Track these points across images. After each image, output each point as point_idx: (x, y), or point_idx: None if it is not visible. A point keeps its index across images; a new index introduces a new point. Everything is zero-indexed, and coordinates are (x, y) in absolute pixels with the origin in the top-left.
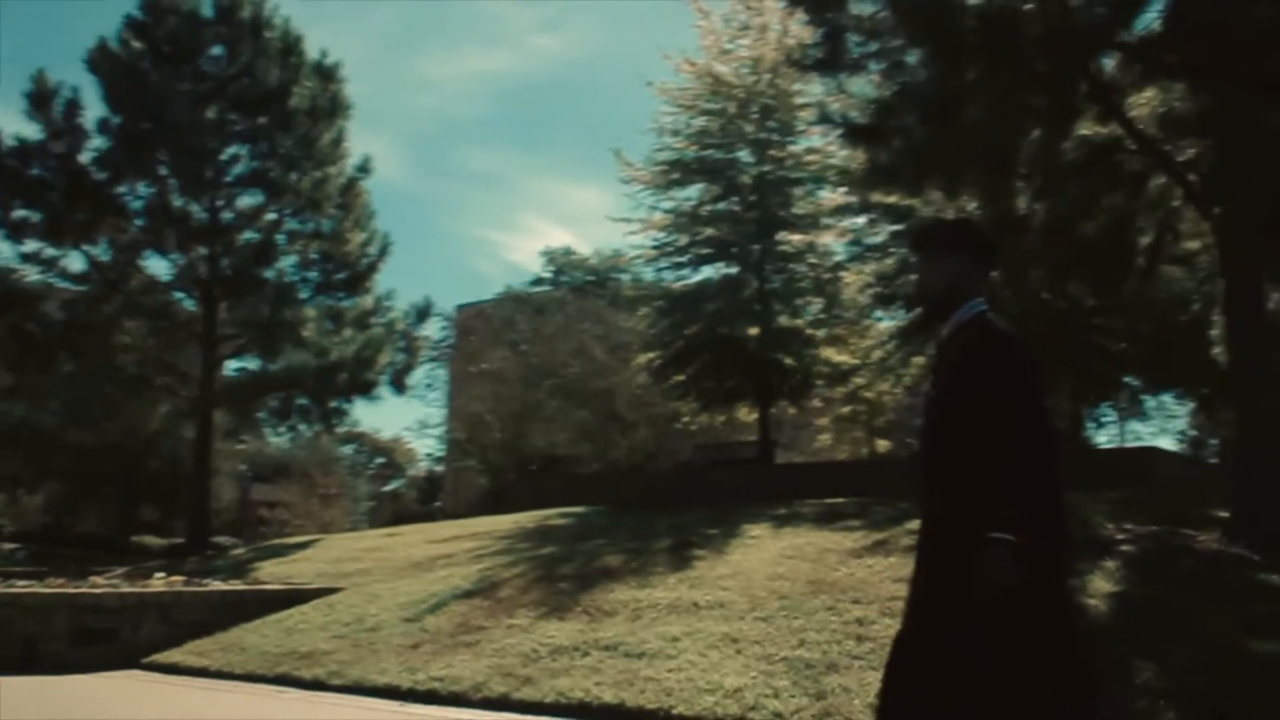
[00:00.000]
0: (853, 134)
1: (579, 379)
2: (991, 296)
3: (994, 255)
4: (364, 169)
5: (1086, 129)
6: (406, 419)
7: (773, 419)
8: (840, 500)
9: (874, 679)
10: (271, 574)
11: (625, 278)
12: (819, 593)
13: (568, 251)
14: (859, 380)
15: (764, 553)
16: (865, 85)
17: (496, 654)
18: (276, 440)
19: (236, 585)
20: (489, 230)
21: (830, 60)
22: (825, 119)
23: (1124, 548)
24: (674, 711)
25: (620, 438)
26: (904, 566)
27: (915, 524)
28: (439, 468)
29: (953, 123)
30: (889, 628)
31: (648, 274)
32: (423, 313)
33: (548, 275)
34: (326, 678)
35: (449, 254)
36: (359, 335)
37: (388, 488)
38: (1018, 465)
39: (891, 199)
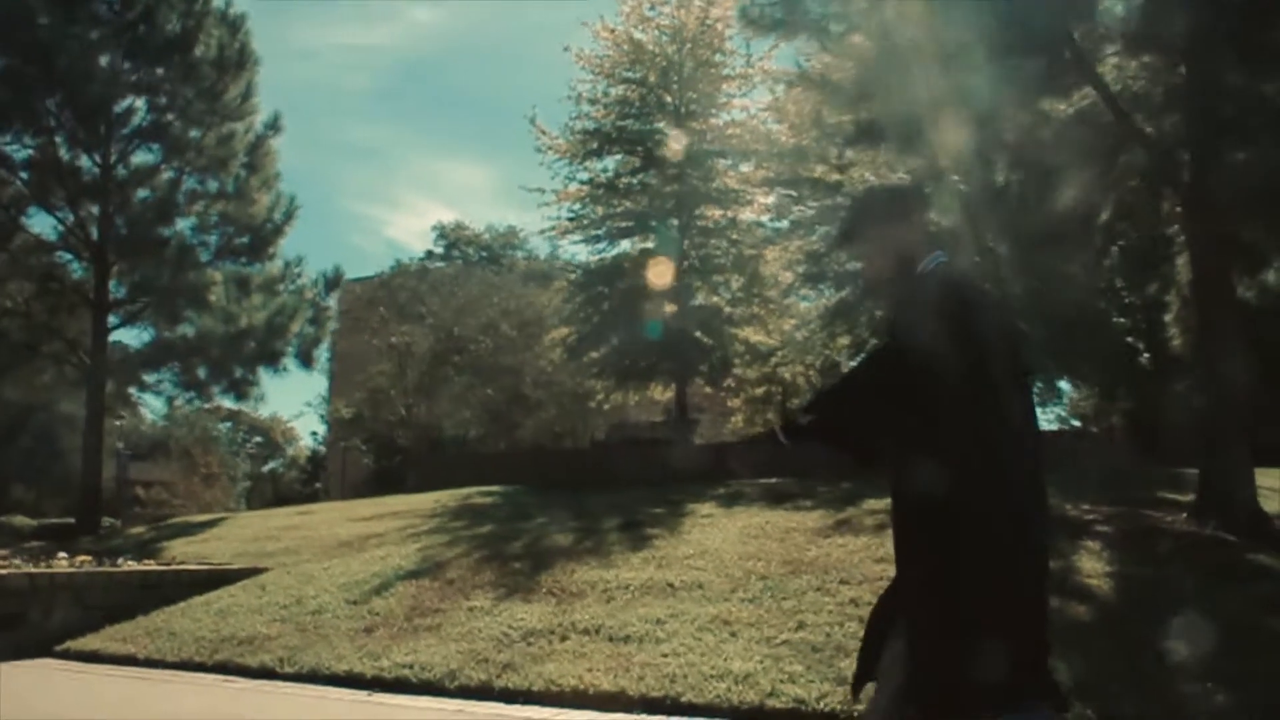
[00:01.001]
0: (834, 92)
1: (487, 355)
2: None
3: (927, 206)
4: (274, 126)
5: (1064, 102)
6: (285, 397)
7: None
8: (775, 480)
9: None
10: (185, 554)
11: (519, 254)
12: (800, 573)
13: (459, 226)
14: (778, 360)
15: (724, 532)
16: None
17: (463, 638)
18: (153, 416)
19: (154, 565)
20: (366, 206)
21: (790, 19)
22: (804, 77)
23: (1099, 528)
24: (683, 699)
25: (526, 416)
26: (879, 546)
27: (870, 503)
28: (322, 448)
29: (936, 85)
30: None
31: (546, 249)
32: (332, 282)
33: (439, 250)
34: (276, 665)
35: (324, 229)
36: (270, 302)
37: (266, 468)
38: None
39: (817, 173)
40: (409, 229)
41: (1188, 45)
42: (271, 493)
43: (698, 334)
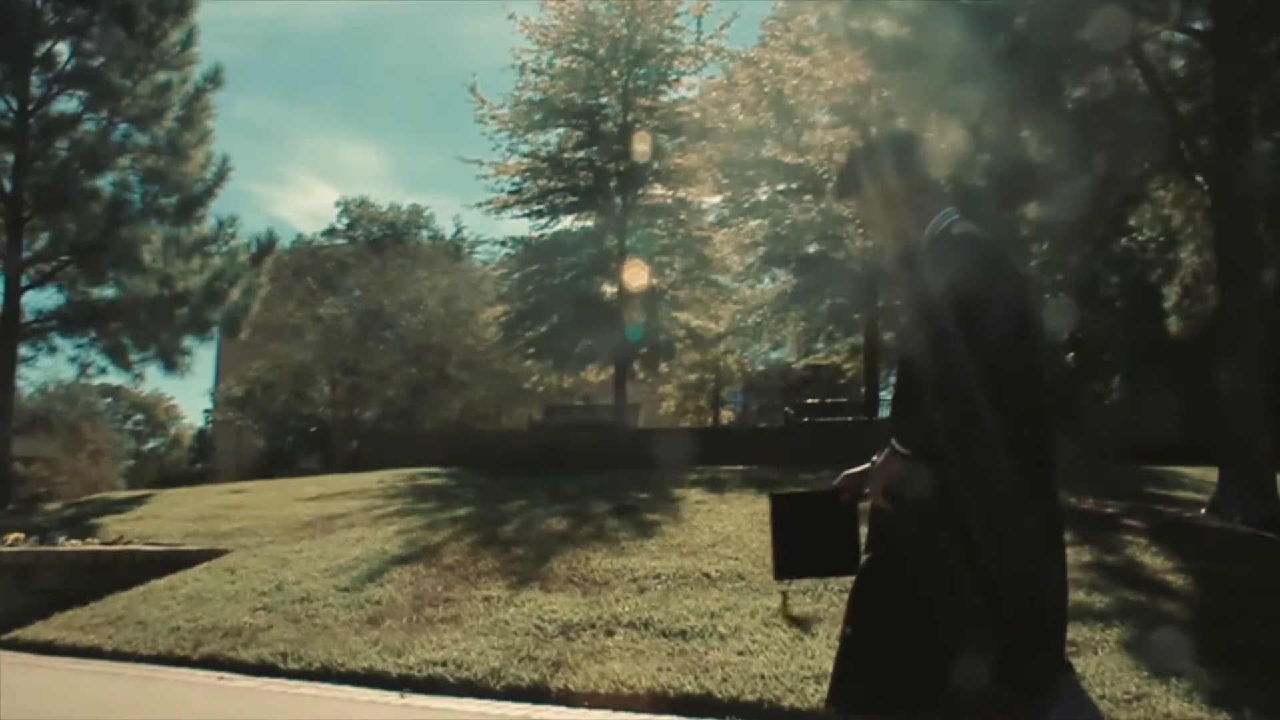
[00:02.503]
0: (887, 54)
1: (415, 333)
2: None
3: (926, 156)
4: (214, 79)
5: (1105, 79)
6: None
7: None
8: (745, 466)
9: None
10: (124, 532)
11: (426, 234)
12: None
13: (363, 203)
14: (727, 347)
15: (732, 519)
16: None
17: (491, 631)
18: (31, 389)
19: (103, 545)
20: (251, 183)
21: None
22: (852, 38)
23: (1128, 522)
24: (783, 704)
25: (452, 396)
26: None
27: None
28: (210, 426)
29: (998, 48)
30: None
31: (452, 229)
32: (265, 246)
33: (341, 227)
34: (277, 661)
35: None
36: (209, 264)
37: (147, 446)
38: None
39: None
40: (298, 208)
41: (1217, 30)
42: (156, 472)
43: (640, 316)
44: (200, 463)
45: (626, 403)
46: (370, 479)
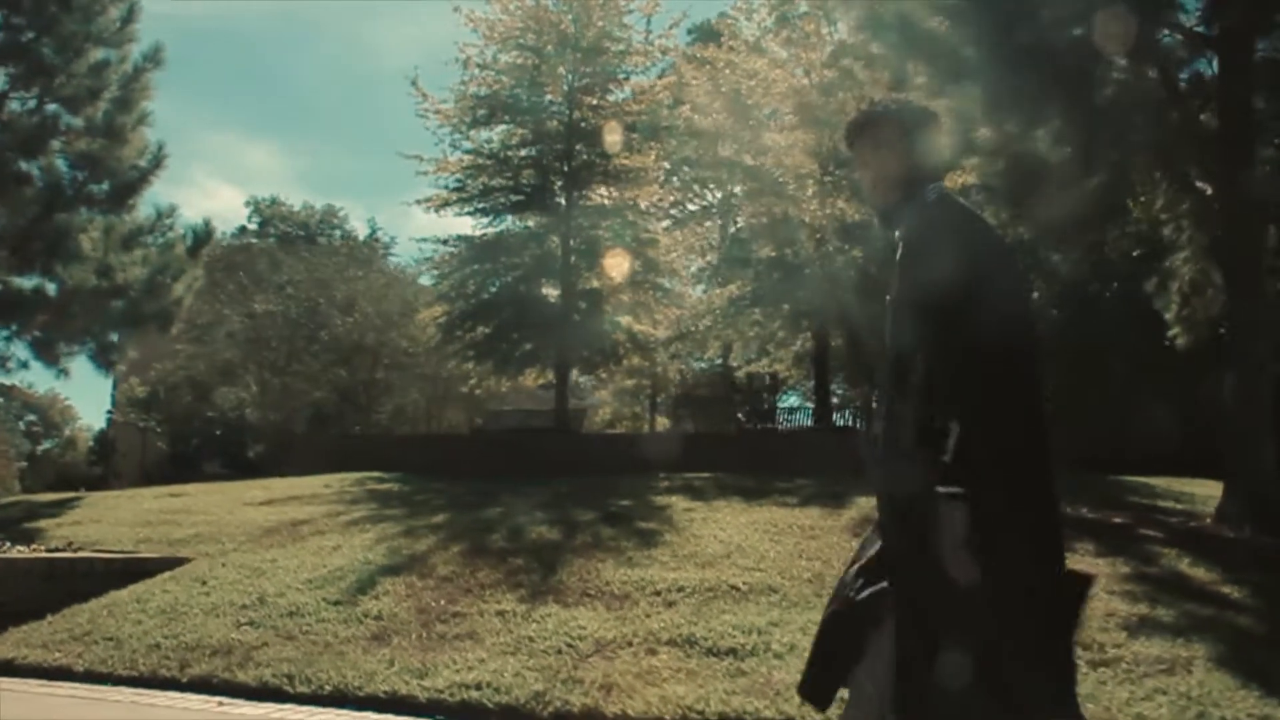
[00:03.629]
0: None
1: (347, 334)
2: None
3: (938, 139)
4: (153, 59)
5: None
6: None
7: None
8: (710, 474)
9: (1098, 678)
10: (68, 538)
11: (339, 235)
12: None
13: (275, 202)
14: (673, 352)
15: (735, 528)
16: None
17: (518, 650)
18: None
19: (57, 554)
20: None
21: None
22: (878, 23)
23: (1143, 531)
24: None
25: (385, 400)
26: None
27: (862, 501)
28: (111, 428)
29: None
30: None
31: (366, 231)
32: (202, 238)
33: (253, 226)
34: (282, 683)
35: None
36: (152, 256)
37: (41, 448)
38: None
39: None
40: (200, 209)
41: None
42: (53, 474)
43: (585, 319)
44: (100, 465)
45: (568, 407)
46: (315, 483)
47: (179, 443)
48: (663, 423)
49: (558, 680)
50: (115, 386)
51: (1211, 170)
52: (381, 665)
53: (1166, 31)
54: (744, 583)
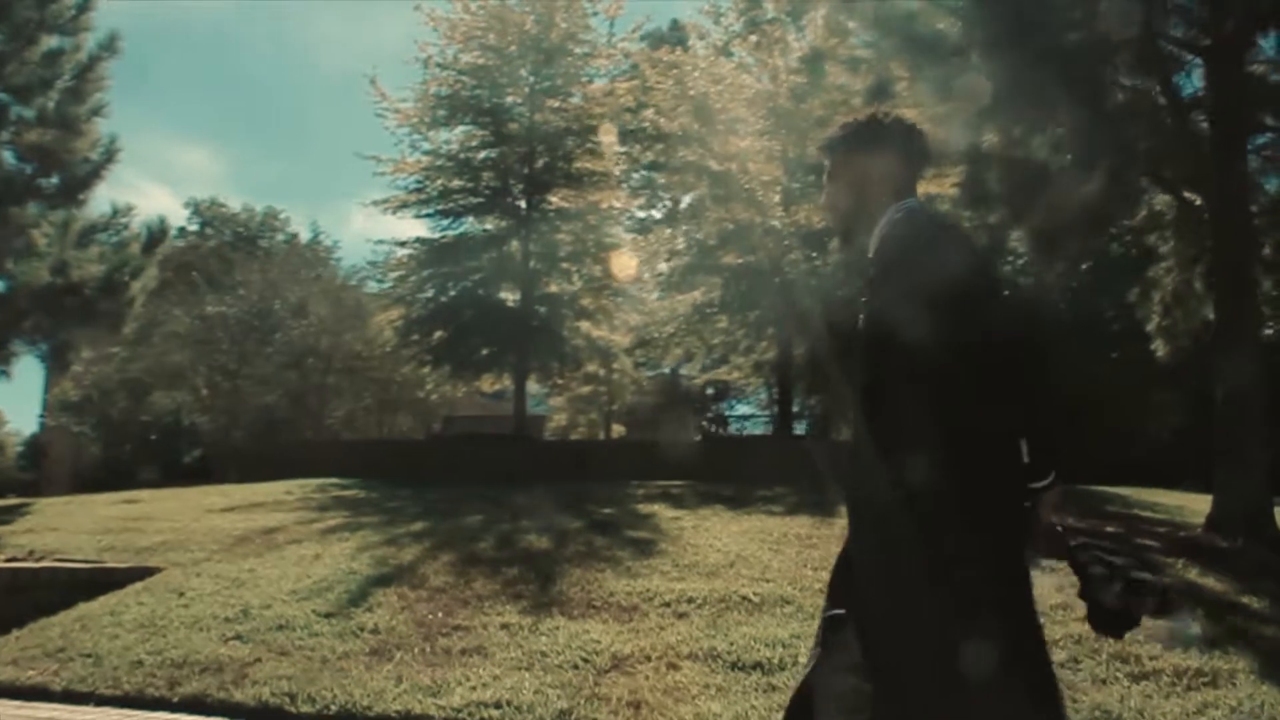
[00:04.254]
0: (922, 47)
1: (301, 337)
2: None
3: (926, 156)
4: (109, 47)
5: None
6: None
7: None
8: (684, 482)
9: (1142, 692)
10: (27, 546)
11: (281, 237)
12: None
13: (215, 203)
14: (636, 357)
15: (729, 537)
16: None
17: (531, 665)
18: None
19: (20, 563)
20: None
21: None
22: (884, 26)
23: (1141, 541)
24: None
25: (337, 404)
26: None
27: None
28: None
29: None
30: (1067, 628)
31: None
32: (156, 236)
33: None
34: (283, 703)
35: None
36: (108, 254)
37: None
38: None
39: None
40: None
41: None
42: None
43: (547, 324)
44: (31, 471)
45: (526, 413)
46: (275, 489)
47: (113, 448)
48: (618, 430)
49: (580, 697)
50: (46, 389)
51: (1206, 179)
52: (389, 683)
53: (1163, 41)
54: (755, 594)
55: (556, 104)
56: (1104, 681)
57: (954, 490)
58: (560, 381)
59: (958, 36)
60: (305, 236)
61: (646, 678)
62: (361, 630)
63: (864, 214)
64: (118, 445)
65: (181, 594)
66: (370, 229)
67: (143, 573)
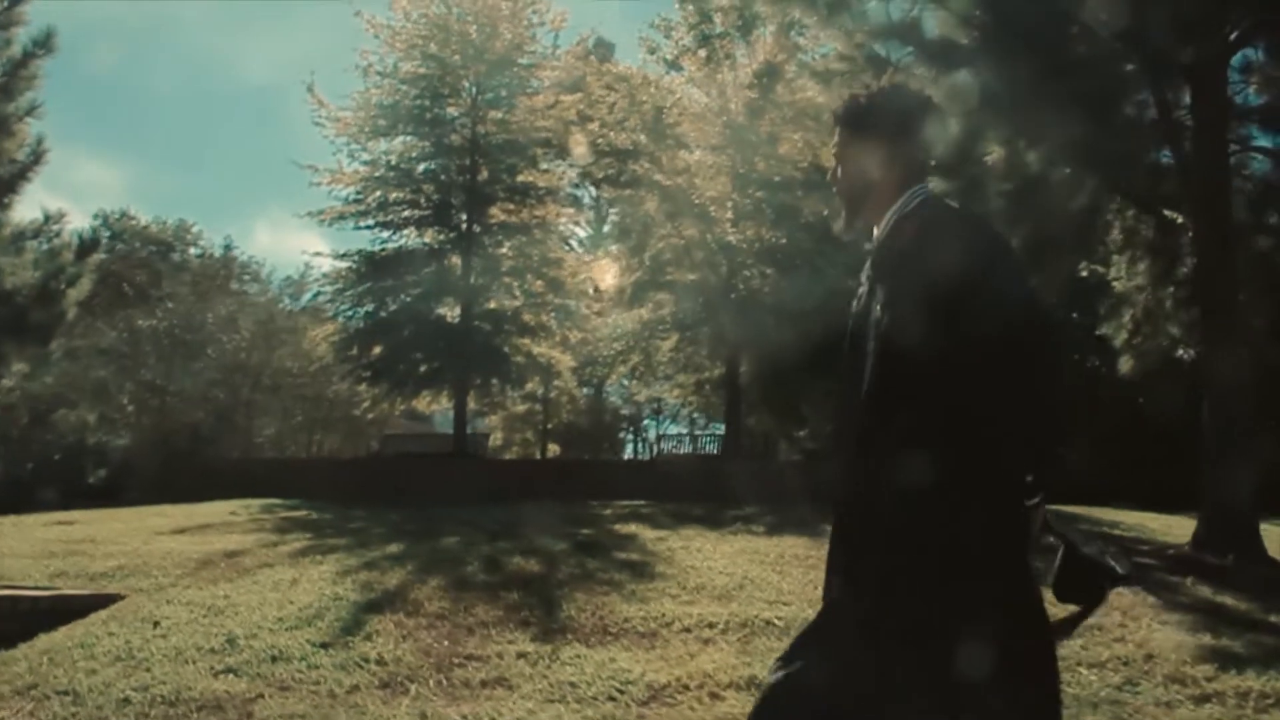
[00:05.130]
0: (937, 54)
1: (230, 353)
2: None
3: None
4: (44, 44)
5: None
6: None
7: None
8: (648, 502)
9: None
10: None
11: (195, 252)
12: None
13: (125, 215)
14: (585, 376)
15: (722, 558)
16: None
17: (564, 697)
18: None
19: None
20: None
21: None
22: (892, 32)
23: (1142, 560)
24: None
25: (265, 420)
26: None
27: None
28: None
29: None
30: (1111, 649)
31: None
32: (89, 244)
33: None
34: None
35: None
36: (44, 259)
37: None
38: (1035, 388)
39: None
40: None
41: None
42: None
43: (491, 340)
44: None
45: (466, 432)
46: (218, 510)
47: (12, 468)
48: (553, 449)
49: None
50: None
51: (1194, 198)
52: (411, 719)
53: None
54: (777, 617)
55: (500, 115)
56: (1168, 705)
57: (963, 490)
58: (498, 400)
59: (972, 44)
60: (219, 250)
61: (692, 709)
62: (366, 661)
63: (870, 195)
64: (19, 465)
65: (156, 623)
66: (307, 242)
67: (104, 600)
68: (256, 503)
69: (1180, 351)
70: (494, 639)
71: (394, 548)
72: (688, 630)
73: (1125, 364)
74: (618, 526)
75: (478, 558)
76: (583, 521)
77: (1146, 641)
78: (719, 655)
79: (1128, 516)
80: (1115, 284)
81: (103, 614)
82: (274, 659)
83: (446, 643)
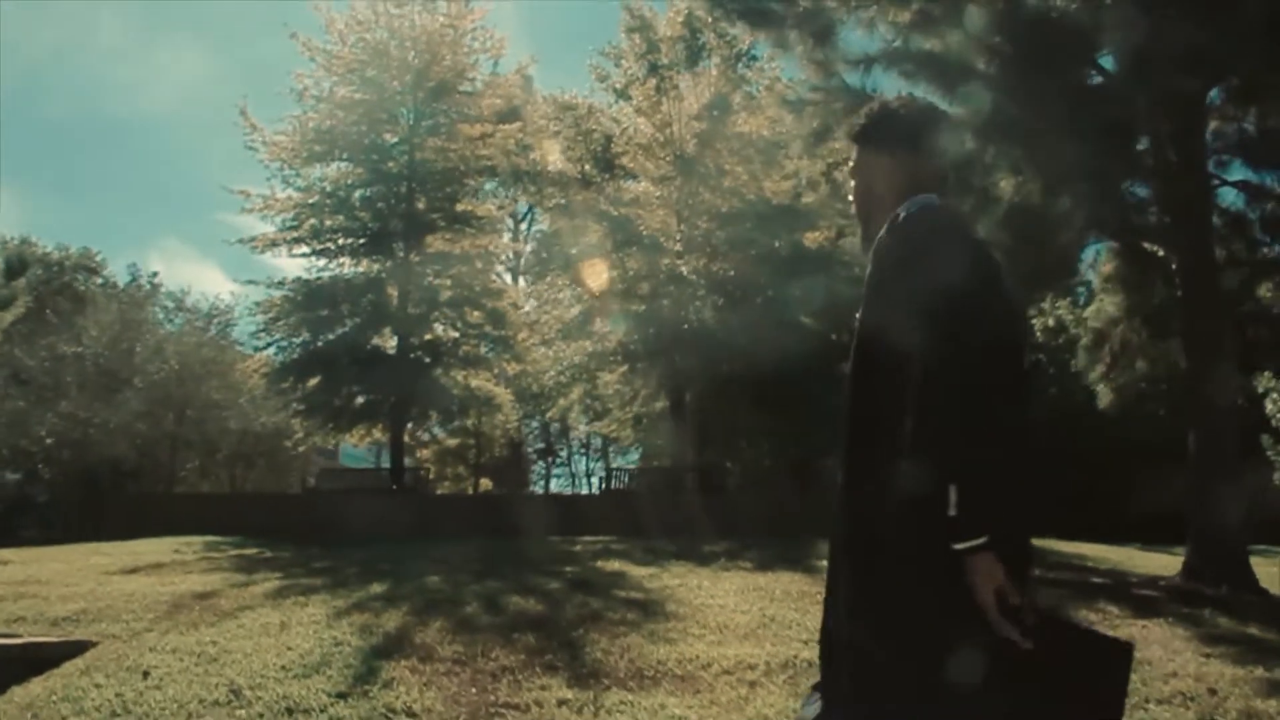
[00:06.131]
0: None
1: (158, 385)
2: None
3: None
4: None
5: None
6: None
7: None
8: (609, 537)
9: None
10: None
11: (100, 281)
12: None
13: (25, 241)
14: (518, 411)
15: (731, 595)
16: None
17: None
18: None
19: None
20: None
21: None
22: (896, 58)
23: (1142, 592)
24: None
25: (189, 454)
26: None
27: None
28: None
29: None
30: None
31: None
32: (15, 267)
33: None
34: None
35: None
36: None
37: None
38: (988, 409)
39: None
40: None
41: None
42: None
43: (430, 372)
44: None
45: (404, 466)
46: (160, 548)
47: None
48: (485, 484)
49: None
50: None
51: (1179, 231)
52: None
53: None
54: (810, 657)
55: (440, 143)
56: None
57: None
58: (430, 433)
59: (994, 72)
60: (125, 279)
61: None
62: (392, 712)
63: (879, 210)
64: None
65: (145, 673)
66: (239, 269)
67: (75, 647)
68: (197, 540)
69: (1143, 384)
70: (525, 685)
71: (378, 587)
72: (728, 672)
73: (1103, 397)
74: (599, 564)
75: (473, 598)
76: (559, 559)
77: (1201, 675)
78: (774, 699)
79: (1101, 550)
80: (1089, 319)
81: (78, 663)
82: (290, 711)
83: (474, 690)
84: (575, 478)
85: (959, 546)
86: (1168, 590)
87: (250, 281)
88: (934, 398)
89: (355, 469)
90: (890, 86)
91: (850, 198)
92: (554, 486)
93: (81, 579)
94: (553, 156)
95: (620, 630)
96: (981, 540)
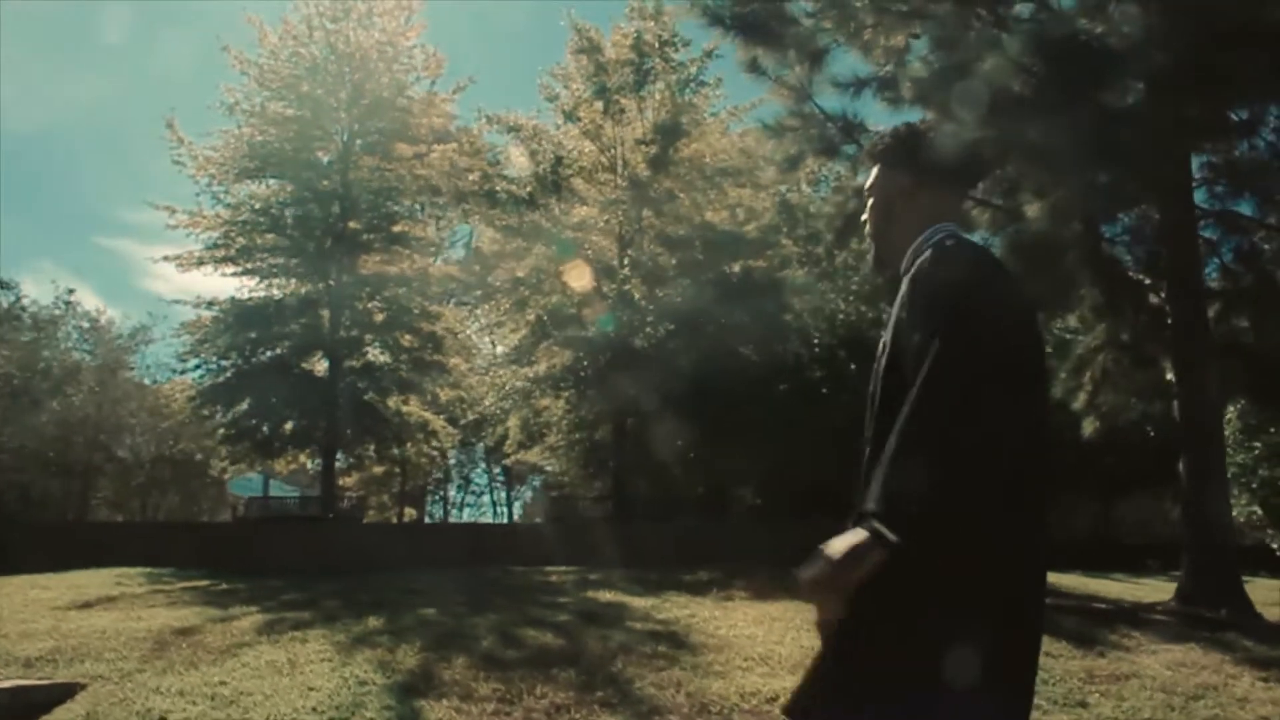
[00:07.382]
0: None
1: (74, 409)
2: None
3: (971, 174)
4: None
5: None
6: None
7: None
8: (578, 567)
9: None
10: None
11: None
12: None
13: None
14: (448, 439)
15: (750, 625)
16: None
17: None
18: None
19: None
20: None
21: None
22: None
23: (1153, 617)
24: None
25: (104, 481)
26: None
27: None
28: None
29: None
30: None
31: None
32: None
33: None
34: None
35: None
36: None
37: None
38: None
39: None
40: None
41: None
42: None
43: (365, 397)
44: None
45: (335, 494)
46: (99, 580)
47: None
48: (410, 513)
49: None
50: None
51: (1171, 258)
52: None
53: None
54: None
55: (375, 162)
56: None
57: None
58: (362, 459)
59: (1030, 100)
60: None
61: None
62: None
63: (896, 236)
64: None
65: (162, 718)
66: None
67: (64, 691)
68: (134, 571)
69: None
70: None
71: (374, 621)
72: (771, 700)
73: (1087, 426)
74: (590, 594)
75: (483, 631)
76: (539, 589)
77: (1277, 700)
78: None
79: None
80: (1073, 345)
81: (75, 708)
82: None
83: None
84: (496, 506)
85: (869, 525)
86: (1170, 615)
87: (176, 301)
88: (923, 402)
89: (282, 497)
90: (873, 115)
91: (865, 216)
92: (465, 515)
93: (34, 615)
94: (521, 159)
95: (659, 664)
96: (888, 536)
